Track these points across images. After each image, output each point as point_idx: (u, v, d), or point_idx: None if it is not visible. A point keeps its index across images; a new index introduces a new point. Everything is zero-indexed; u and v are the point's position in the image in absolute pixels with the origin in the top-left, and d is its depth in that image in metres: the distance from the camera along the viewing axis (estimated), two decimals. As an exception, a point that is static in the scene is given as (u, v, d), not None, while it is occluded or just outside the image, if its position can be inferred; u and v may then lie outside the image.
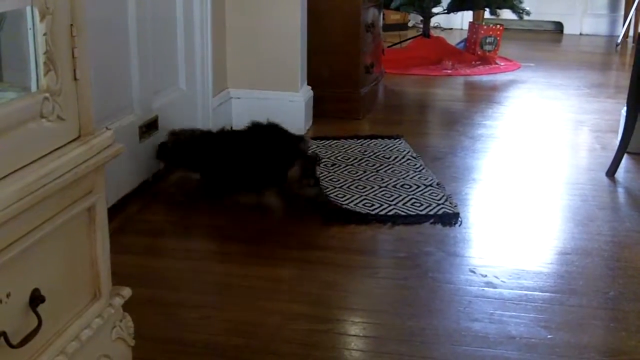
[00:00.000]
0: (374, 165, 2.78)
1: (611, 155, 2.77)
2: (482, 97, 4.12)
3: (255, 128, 2.47)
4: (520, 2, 4.96)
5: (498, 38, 4.93)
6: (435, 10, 5.13)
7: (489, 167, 2.88)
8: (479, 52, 4.93)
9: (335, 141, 3.05)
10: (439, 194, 2.49)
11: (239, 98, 3.16)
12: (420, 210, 2.35)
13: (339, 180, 2.60)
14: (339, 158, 2.85)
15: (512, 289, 1.86)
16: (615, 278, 1.94)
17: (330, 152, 2.92)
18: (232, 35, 3.11)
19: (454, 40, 5.41)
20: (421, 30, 5.26)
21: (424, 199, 2.44)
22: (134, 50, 2.38)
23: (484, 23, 5.38)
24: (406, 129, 3.21)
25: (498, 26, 4.96)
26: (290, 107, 3.11)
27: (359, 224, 2.24)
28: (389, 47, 5.01)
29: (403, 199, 2.43)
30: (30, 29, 1.04)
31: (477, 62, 4.86)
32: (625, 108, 2.80)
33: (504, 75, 4.66)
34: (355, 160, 2.82)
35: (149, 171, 2.52)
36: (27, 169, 1.02)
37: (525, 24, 6.18)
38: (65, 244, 1.14)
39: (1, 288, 0.99)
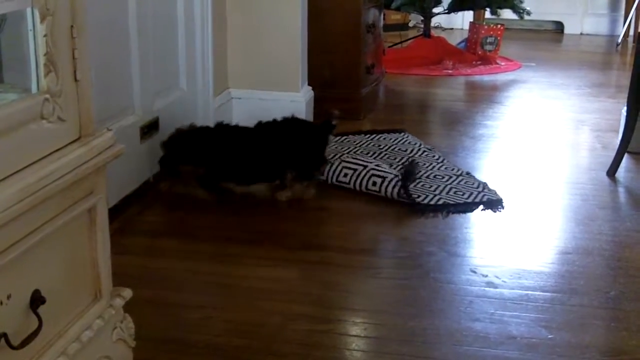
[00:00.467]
0: (395, 158, 2.79)
1: (612, 154, 2.77)
2: (483, 97, 4.12)
3: (277, 123, 2.50)
4: (521, 2, 4.96)
5: (499, 38, 4.93)
6: (435, 10, 5.12)
7: (490, 167, 2.88)
8: (479, 52, 4.92)
9: (344, 137, 3.04)
10: (474, 182, 2.54)
11: (239, 98, 3.16)
12: (467, 199, 2.39)
13: None
14: (357, 153, 2.84)
15: (513, 289, 1.86)
16: (616, 277, 1.94)
17: (346, 147, 2.91)
18: (233, 35, 3.11)
19: (454, 40, 5.40)
20: (422, 30, 5.26)
21: (463, 188, 2.48)
22: (135, 51, 2.38)
23: (484, 23, 5.37)
24: (407, 129, 3.20)
25: (499, 26, 4.96)
26: (291, 107, 3.10)
27: (416, 216, 2.28)
28: (389, 47, 5.00)
29: (444, 189, 2.46)
30: (30, 30, 1.04)
31: (478, 62, 4.85)
32: (625, 107, 2.80)
33: (505, 75, 4.66)
34: (376, 155, 2.82)
35: (149, 172, 2.52)
36: (28, 170, 1.02)
37: (525, 23, 6.17)
38: (66, 245, 1.14)
39: (2, 289, 0.99)
